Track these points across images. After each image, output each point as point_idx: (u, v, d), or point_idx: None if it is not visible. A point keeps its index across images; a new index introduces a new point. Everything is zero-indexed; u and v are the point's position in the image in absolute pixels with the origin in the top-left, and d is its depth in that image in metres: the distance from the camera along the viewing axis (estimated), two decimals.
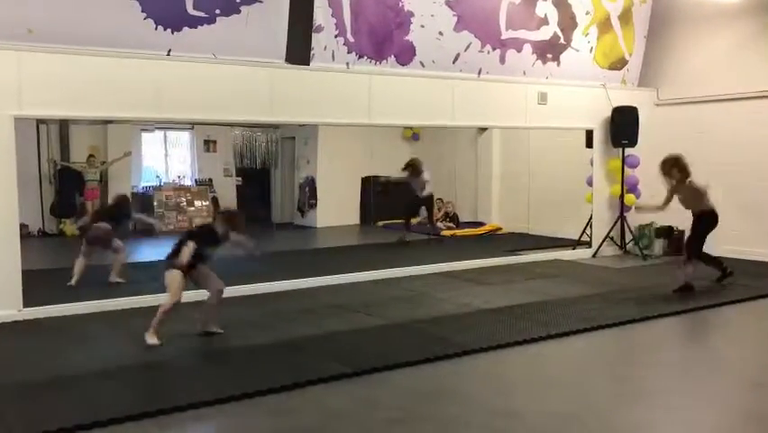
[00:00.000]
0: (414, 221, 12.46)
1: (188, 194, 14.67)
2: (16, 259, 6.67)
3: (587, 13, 10.08)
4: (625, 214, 10.57)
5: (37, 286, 7.17)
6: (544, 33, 9.74)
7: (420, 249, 11.26)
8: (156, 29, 7.11)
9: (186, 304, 7.19)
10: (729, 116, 10.12)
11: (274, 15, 7.71)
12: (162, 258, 6.10)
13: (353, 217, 15.50)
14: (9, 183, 6.59)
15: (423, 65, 8.82)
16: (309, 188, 15.07)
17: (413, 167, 11.74)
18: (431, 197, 12.02)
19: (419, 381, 5.00)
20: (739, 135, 9.99)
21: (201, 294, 7.63)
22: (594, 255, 10.52)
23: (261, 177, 16.20)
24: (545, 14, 9.68)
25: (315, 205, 15.05)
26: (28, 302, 6.71)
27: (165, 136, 15.18)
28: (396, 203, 15.19)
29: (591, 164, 10.66)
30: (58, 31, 6.67)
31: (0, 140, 6.50)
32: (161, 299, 5.86)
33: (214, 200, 15.01)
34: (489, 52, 9.28)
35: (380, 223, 14.87)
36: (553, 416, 4.35)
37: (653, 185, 10.72)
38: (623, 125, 10.42)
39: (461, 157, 14.79)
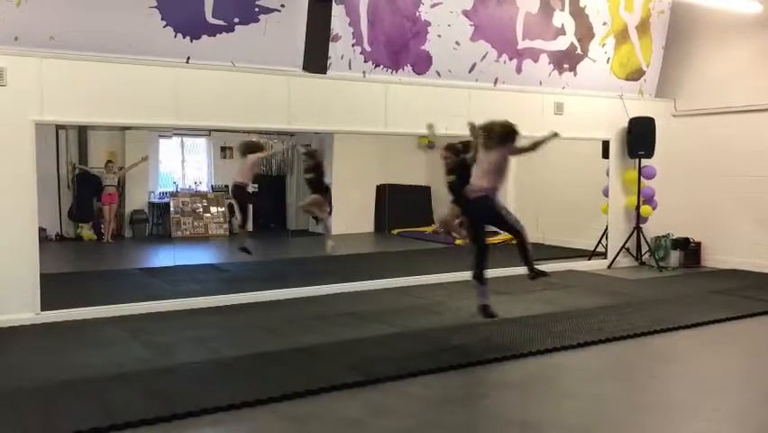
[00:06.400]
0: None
1: (205, 200, 14.78)
2: (35, 262, 6.73)
3: (604, 23, 10.06)
4: (641, 225, 10.51)
5: (54, 289, 7.23)
6: (561, 43, 9.73)
7: (435, 258, 11.24)
8: (175, 37, 7.19)
9: (200, 310, 7.27)
10: (747, 128, 10.04)
11: (292, 24, 7.77)
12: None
13: (368, 225, 15.52)
14: (29, 188, 6.67)
15: (439, 74, 8.85)
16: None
17: None
18: None
19: (432, 389, 4.99)
20: (757, 147, 9.92)
21: (218, 300, 7.66)
22: (609, 266, 10.47)
23: (277, 184, 16.27)
24: (562, 25, 9.67)
25: (330, 212, 15.08)
26: (45, 305, 6.78)
27: (182, 142, 15.28)
28: (410, 211, 15.25)
29: (607, 175, 10.62)
30: (79, 38, 6.76)
31: (21, 145, 6.59)
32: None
33: (230, 207, 15.09)
34: (505, 62, 9.28)
35: (395, 231, 14.88)
36: (567, 427, 4.33)
37: (669, 196, 10.74)
38: (639, 136, 10.37)
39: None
